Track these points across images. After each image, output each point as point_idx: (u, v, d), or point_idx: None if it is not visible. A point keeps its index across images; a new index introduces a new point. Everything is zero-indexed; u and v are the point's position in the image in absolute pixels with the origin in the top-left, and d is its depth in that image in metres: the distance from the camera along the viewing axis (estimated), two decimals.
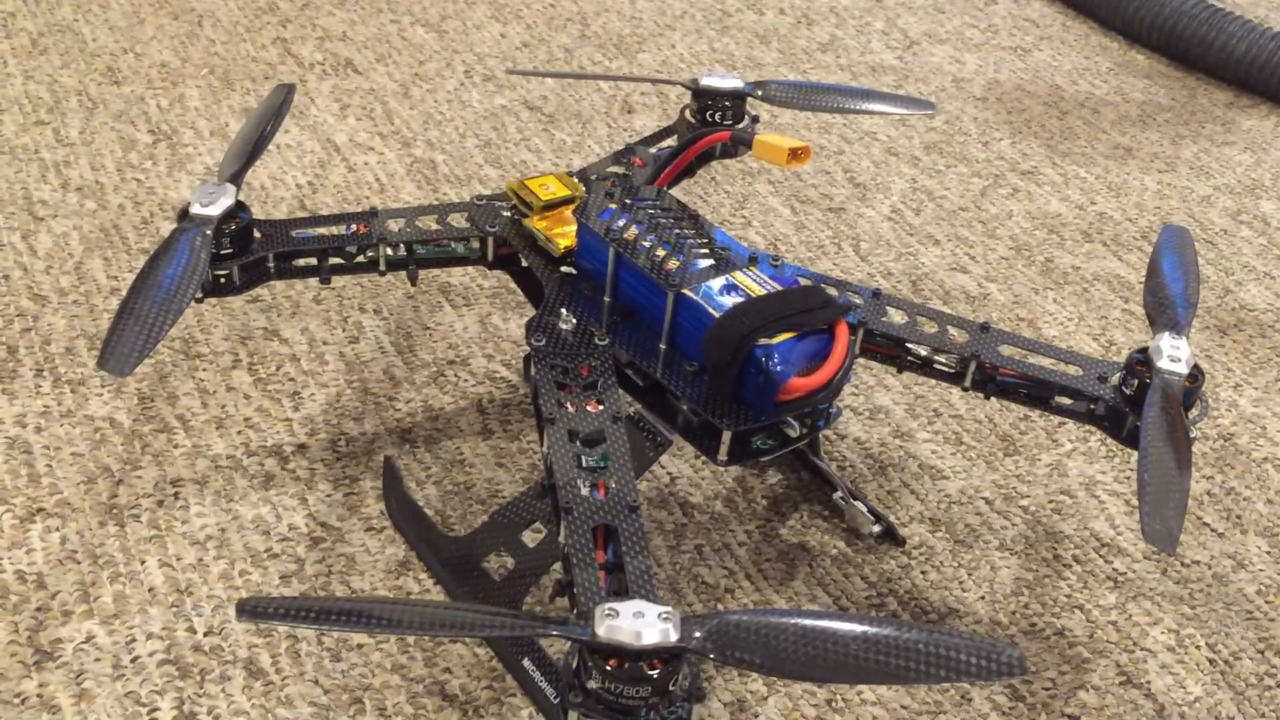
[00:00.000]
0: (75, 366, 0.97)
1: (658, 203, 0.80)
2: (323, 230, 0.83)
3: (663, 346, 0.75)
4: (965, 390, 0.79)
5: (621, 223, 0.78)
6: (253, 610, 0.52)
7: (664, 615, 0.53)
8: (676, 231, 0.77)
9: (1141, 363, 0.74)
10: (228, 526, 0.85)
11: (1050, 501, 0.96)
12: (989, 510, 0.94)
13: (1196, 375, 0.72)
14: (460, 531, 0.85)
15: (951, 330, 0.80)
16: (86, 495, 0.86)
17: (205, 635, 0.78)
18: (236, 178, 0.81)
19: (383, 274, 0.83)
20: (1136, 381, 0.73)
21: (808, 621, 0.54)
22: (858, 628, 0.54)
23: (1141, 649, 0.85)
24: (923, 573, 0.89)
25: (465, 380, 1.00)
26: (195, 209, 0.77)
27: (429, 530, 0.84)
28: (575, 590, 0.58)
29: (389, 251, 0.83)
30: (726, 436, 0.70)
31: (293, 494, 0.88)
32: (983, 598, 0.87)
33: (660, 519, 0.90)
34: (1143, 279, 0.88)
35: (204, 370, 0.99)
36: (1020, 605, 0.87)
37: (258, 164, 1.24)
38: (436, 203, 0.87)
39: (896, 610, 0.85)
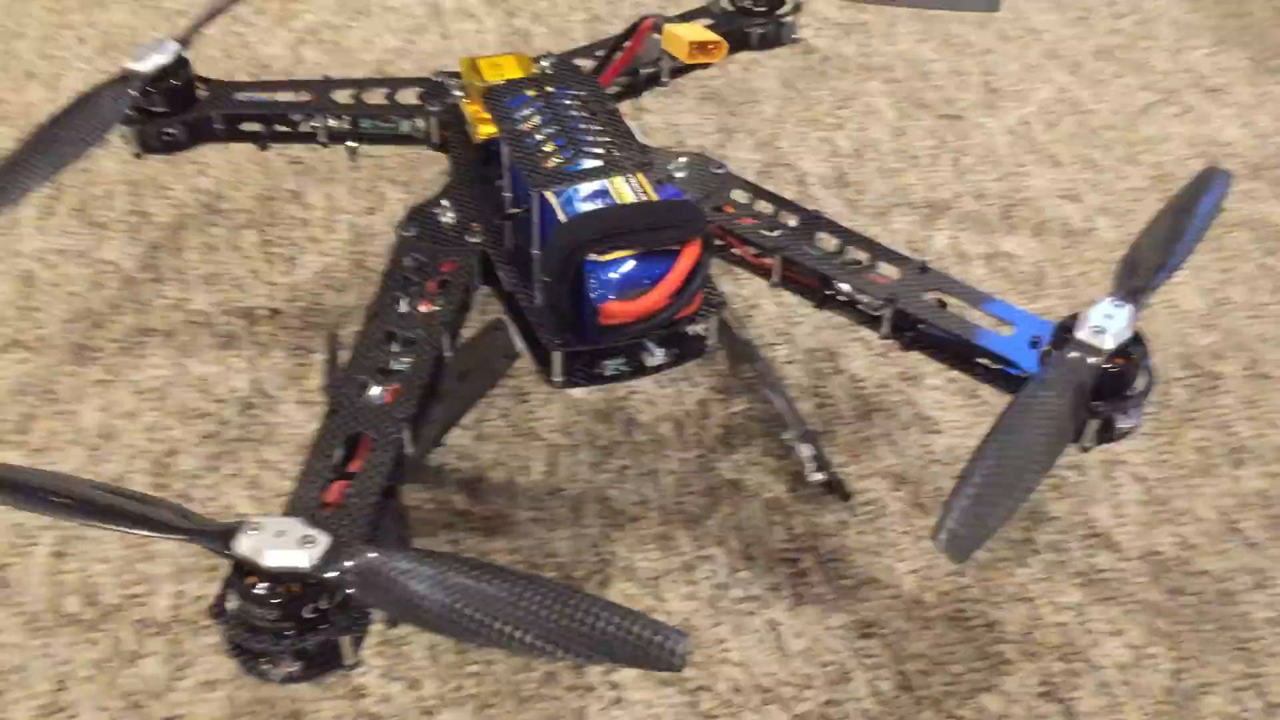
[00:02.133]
0: (107, 209, 1.02)
1: (582, 94, 0.73)
2: (269, 95, 0.81)
3: (534, 251, 0.69)
4: (883, 339, 0.68)
5: (527, 112, 0.71)
6: None
7: (306, 539, 0.49)
8: (582, 127, 0.70)
9: (1066, 328, 0.61)
10: (174, 381, 0.88)
11: (1052, 476, 0.83)
12: None
13: (1126, 355, 0.59)
14: None
15: (883, 267, 0.69)
16: (65, 334, 0.91)
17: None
18: (186, 34, 0.80)
19: (324, 145, 0.81)
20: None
21: (461, 578, 0.48)
22: (511, 592, 0.48)
23: (1084, 660, 0.72)
24: (859, 533, 0.79)
25: None
26: (127, 64, 0.78)
27: None
28: (291, 495, 0.56)
29: (332, 123, 0.81)
30: (556, 357, 0.64)
31: (246, 357, 0.90)
32: (915, 571, 0.77)
33: (596, 432, 0.85)
34: None
35: (218, 226, 1.01)
36: (957, 587, 0.76)
37: (355, 24, 1.25)
38: (393, 76, 0.84)
39: (808, 568, 0.77)
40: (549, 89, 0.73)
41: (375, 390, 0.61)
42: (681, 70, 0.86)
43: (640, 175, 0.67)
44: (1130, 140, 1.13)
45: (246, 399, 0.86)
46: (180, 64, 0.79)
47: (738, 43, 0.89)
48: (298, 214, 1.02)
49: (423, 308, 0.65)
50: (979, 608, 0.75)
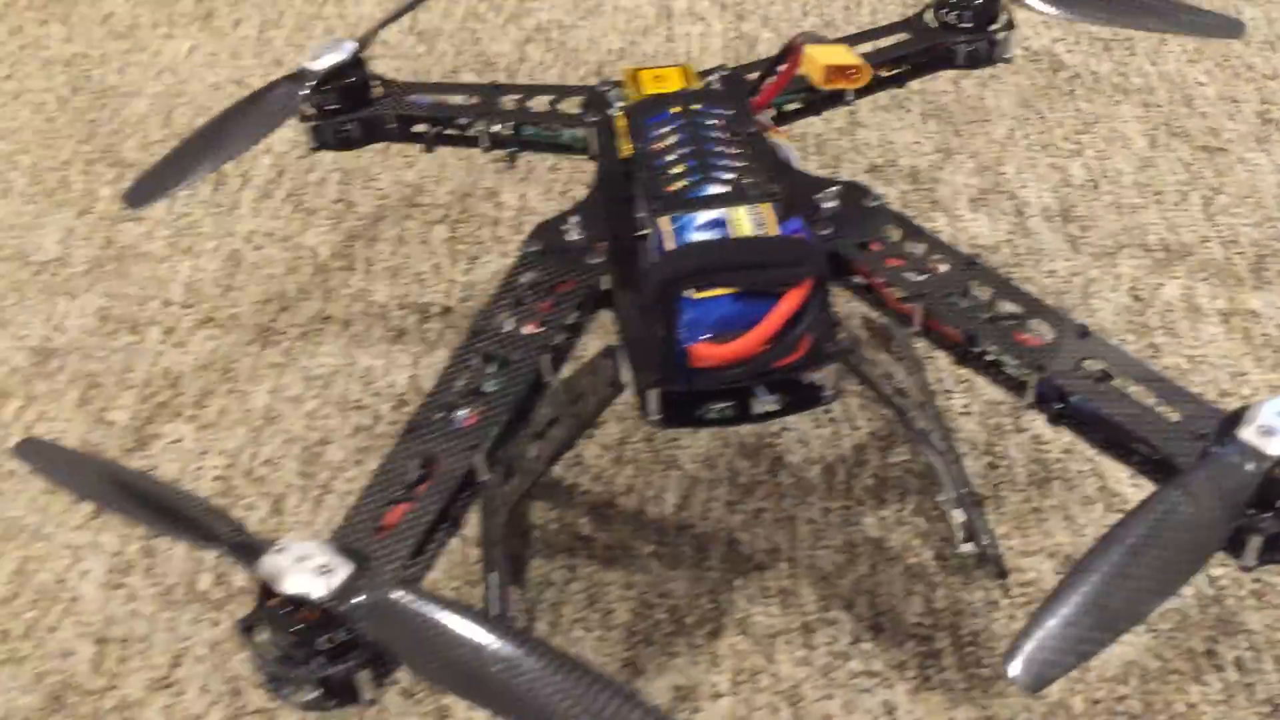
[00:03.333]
0: (318, 196, 1.06)
1: (728, 115, 0.68)
2: (439, 98, 0.81)
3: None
4: (1027, 408, 0.60)
5: (665, 130, 0.67)
6: (28, 451, 0.55)
7: (324, 567, 0.48)
8: (718, 150, 0.65)
9: (1234, 421, 0.51)
10: (340, 370, 0.90)
11: (1255, 581, 0.71)
12: None
13: None
14: None
15: (1033, 324, 0.60)
16: (254, 314, 0.95)
17: (262, 464, 0.83)
18: (367, 35, 0.81)
19: (486, 150, 0.80)
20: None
21: (468, 629, 0.45)
22: (514, 655, 0.44)
23: None
24: (1009, 618, 0.71)
25: None
26: (303, 63, 0.79)
27: None
28: (348, 513, 0.54)
29: (496, 129, 0.79)
30: (652, 394, 0.59)
31: (413, 353, 0.90)
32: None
33: (739, 468, 0.80)
34: None
35: (413, 219, 1.03)
36: (1113, 696, 0.66)
37: (584, 23, 1.25)
38: (561, 84, 0.81)
39: (941, 649, 0.69)
40: (695, 107, 0.68)
41: (462, 412, 0.59)
42: (867, 89, 0.79)
43: (766, 206, 0.61)
44: None
45: (402, 395, 0.87)
46: (356, 64, 0.80)
47: (943, 61, 0.82)
48: (490, 212, 1.03)
49: (527, 329, 0.62)
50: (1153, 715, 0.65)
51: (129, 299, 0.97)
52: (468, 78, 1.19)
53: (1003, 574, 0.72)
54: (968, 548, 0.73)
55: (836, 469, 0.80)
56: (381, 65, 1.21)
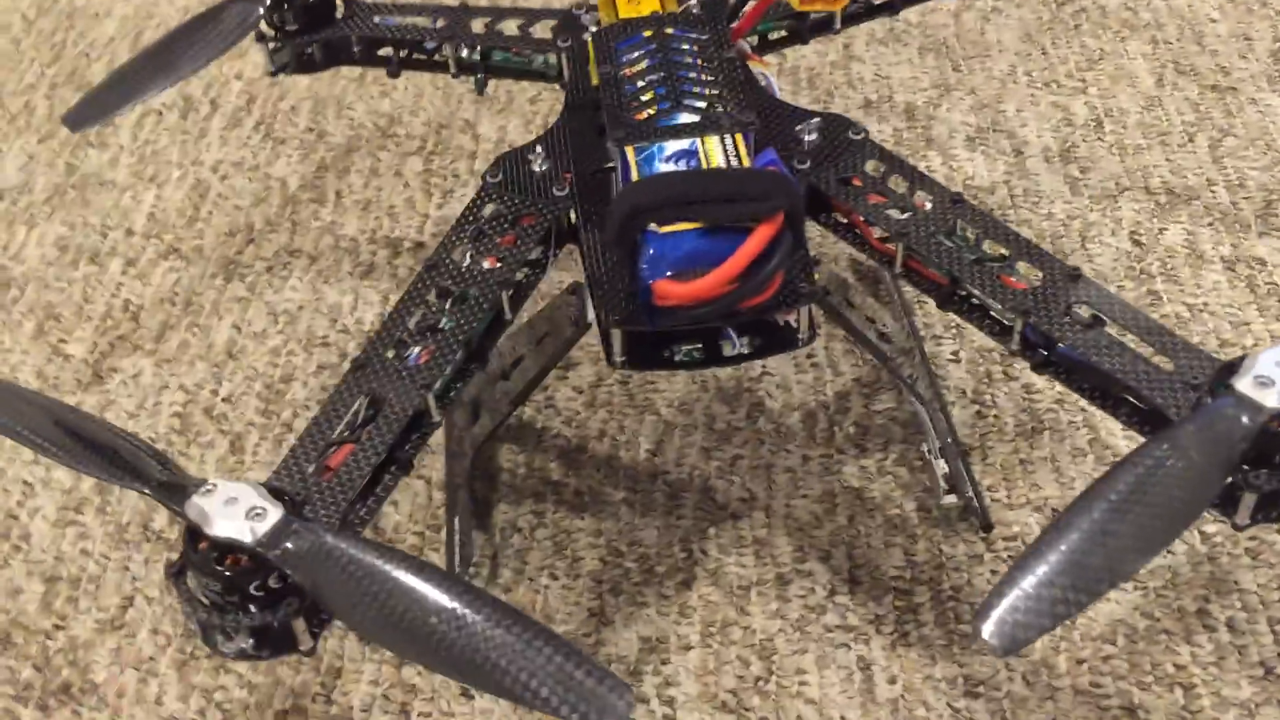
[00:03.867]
0: (289, 125, 1.02)
1: (703, 39, 0.64)
2: (406, 19, 0.77)
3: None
4: (1012, 354, 0.56)
5: (635, 55, 0.63)
6: None
7: (256, 510, 0.45)
8: (691, 76, 0.61)
9: (1230, 370, 0.48)
10: (306, 305, 0.86)
11: (1251, 539, 0.68)
12: None
13: None
14: None
15: (1021, 266, 0.56)
16: (219, 246, 0.91)
17: (222, 400, 0.80)
18: None
19: (455, 76, 0.76)
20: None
21: (405, 578, 0.43)
22: (453, 607, 0.41)
23: None
24: (992, 572, 0.68)
25: None
26: None
27: None
28: (287, 454, 0.51)
29: (464, 53, 0.75)
30: (616, 335, 0.56)
31: (382, 290, 0.87)
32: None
33: (716, 413, 0.77)
34: None
35: (387, 150, 0.99)
36: (1098, 656, 0.64)
37: None
38: (533, 7, 0.77)
39: (920, 604, 0.66)
40: (669, 31, 0.64)
41: (414, 349, 0.56)
42: (857, 17, 0.75)
43: (739, 136, 0.58)
44: None
45: (369, 333, 0.84)
46: None
47: None
48: (467, 145, 0.99)
49: (486, 263, 0.59)
50: (1121, 685, 0.63)
51: (90, 228, 0.93)
52: None
53: (988, 527, 0.69)
54: (951, 499, 0.70)
55: (818, 415, 0.77)
56: None
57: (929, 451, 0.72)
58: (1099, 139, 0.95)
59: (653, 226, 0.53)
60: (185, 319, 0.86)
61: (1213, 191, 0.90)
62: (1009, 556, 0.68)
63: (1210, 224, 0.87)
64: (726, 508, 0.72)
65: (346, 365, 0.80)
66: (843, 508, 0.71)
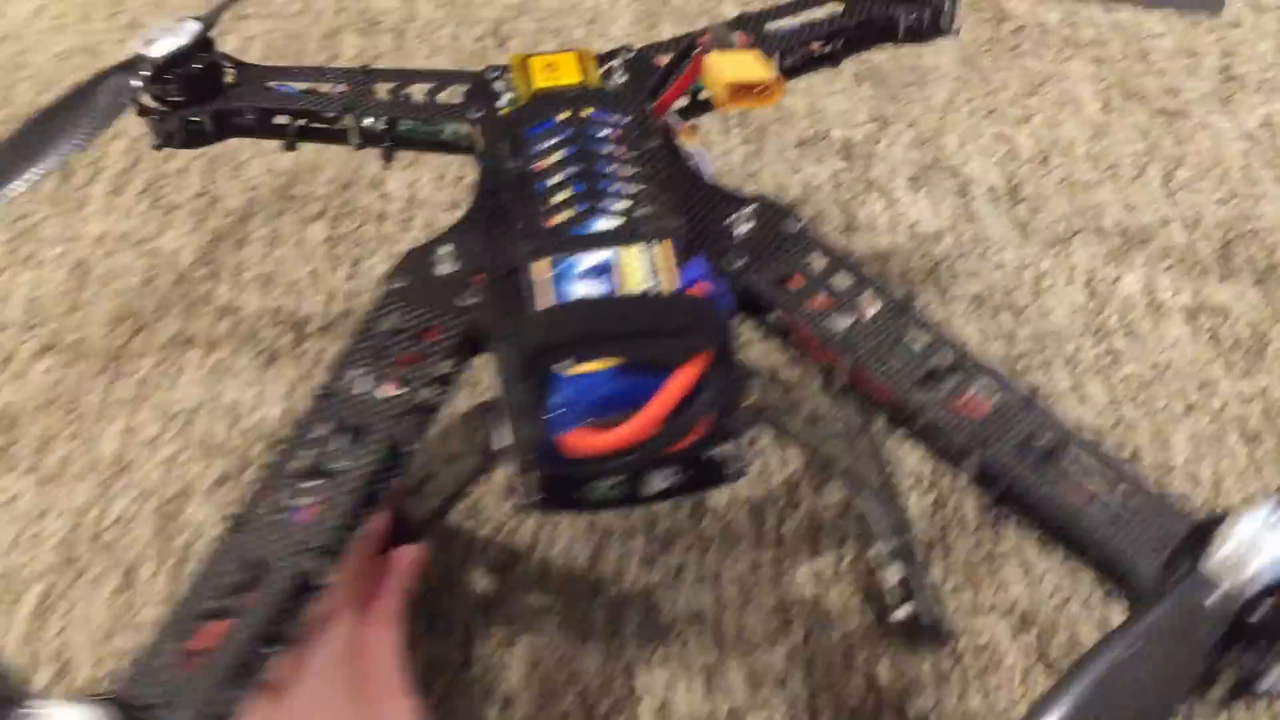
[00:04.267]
0: (178, 190, 0.93)
1: (625, 122, 0.58)
2: (305, 85, 0.69)
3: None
4: (971, 485, 0.51)
5: (550, 144, 0.57)
6: None
7: None
8: (609, 171, 0.55)
9: (1202, 534, 0.43)
10: (204, 404, 0.79)
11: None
12: None
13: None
14: None
15: (976, 387, 0.51)
16: (104, 339, 0.83)
17: (109, 526, 0.72)
18: (211, 13, 0.69)
19: (358, 148, 0.69)
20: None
21: None
22: None
23: None
24: (959, 695, 0.63)
25: None
26: (137, 48, 0.67)
27: None
28: (140, 653, 0.44)
29: (369, 121, 0.68)
30: (530, 475, 0.50)
31: (287, 380, 0.80)
32: None
33: (656, 515, 0.71)
34: None
35: (287, 215, 0.91)
36: None
37: None
38: (443, 69, 0.69)
39: None
40: (586, 113, 0.58)
41: (303, 499, 0.49)
42: (795, 70, 0.69)
43: (664, 245, 0.51)
44: None
45: (276, 434, 0.76)
46: (204, 45, 0.68)
47: (884, 34, 0.72)
48: (375, 205, 0.91)
49: (386, 390, 0.52)
50: None
51: None
52: (349, 40, 1.06)
53: (943, 639, 0.64)
54: (904, 611, 0.64)
55: (766, 512, 0.71)
56: (253, 26, 1.09)
57: (876, 557, 0.66)
58: (1046, 174, 0.90)
59: (556, 369, 0.47)
60: (67, 428, 0.78)
61: (1168, 230, 0.85)
62: (979, 671, 0.63)
63: (1168, 268, 0.83)
64: (672, 628, 0.66)
65: (250, 474, 0.74)
66: (798, 622, 0.66)
